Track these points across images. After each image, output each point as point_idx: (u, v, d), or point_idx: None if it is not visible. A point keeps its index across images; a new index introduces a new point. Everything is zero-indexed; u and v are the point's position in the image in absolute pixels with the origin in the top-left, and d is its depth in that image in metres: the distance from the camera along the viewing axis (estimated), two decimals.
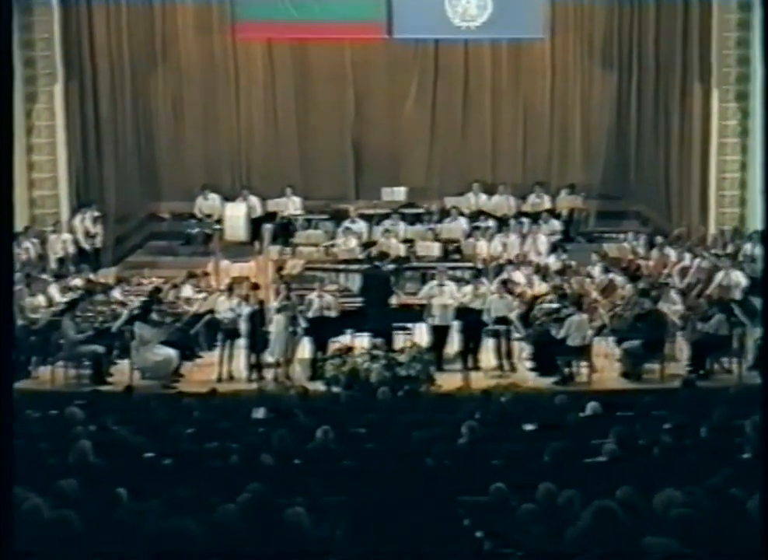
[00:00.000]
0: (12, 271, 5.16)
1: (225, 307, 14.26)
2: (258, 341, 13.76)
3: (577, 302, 14.21)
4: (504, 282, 14.96)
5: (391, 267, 15.86)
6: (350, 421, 10.24)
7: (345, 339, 14.07)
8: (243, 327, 13.97)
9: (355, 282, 16.29)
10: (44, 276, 15.74)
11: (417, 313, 14.34)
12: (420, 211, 18.80)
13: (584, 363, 13.68)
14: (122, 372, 13.81)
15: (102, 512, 6.83)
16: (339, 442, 9.45)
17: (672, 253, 16.81)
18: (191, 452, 9.13)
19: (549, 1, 19.02)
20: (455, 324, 14.40)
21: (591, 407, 10.37)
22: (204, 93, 19.58)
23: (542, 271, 16.14)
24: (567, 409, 10.50)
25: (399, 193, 19.08)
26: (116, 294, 15.40)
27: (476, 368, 14.17)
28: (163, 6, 19.15)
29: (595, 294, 15.12)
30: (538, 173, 19.62)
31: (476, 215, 18.73)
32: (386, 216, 18.40)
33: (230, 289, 14.62)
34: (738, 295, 14.45)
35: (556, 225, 18.43)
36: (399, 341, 14.00)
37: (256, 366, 13.92)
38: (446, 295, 14.44)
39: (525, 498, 7.26)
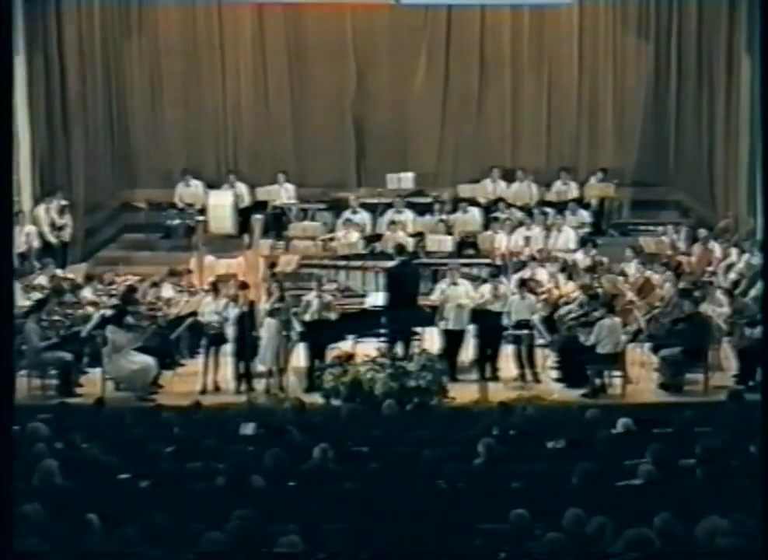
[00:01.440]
0: (11, 279, 5.33)
1: (209, 309, 14.29)
2: (247, 348, 13.78)
3: (609, 303, 14.20)
4: (526, 281, 14.96)
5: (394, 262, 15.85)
6: (351, 439, 10.25)
7: (346, 345, 14.08)
8: (230, 331, 14.00)
9: (357, 280, 16.32)
10: None
11: (427, 315, 14.34)
12: (430, 200, 18.81)
13: (617, 373, 13.69)
14: (93, 382, 13.84)
15: (70, 541, 6.84)
16: (339, 461, 9.46)
17: (716, 247, 16.81)
18: (171, 473, 9.15)
19: None
20: (471, 328, 14.41)
21: (624, 423, 10.38)
22: (186, 66, 19.60)
23: (570, 269, 16.14)
24: (597, 425, 10.51)
25: (407, 179, 19.08)
26: (87, 293, 15.43)
27: (495, 378, 14.19)
28: None
29: (629, 294, 15.11)
30: (564, 156, 19.63)
31: (493, 205, 18.74)
32: (392, 206, 18.42)
33: (215, 289, 14.64)
34: None
35: (585, 216, 18.44)
36: (404, 347, 14.03)
37: (245, 376, 13.94)
38: (460, 295, 14.45)
39: (551, 526, 7.27)
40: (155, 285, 15.54)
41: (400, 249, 15.13)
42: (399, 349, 13.94)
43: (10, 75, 5.14)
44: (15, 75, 18.07)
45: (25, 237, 17.49)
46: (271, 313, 13.89)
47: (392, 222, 17.86)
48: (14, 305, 5.57)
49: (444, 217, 18.20)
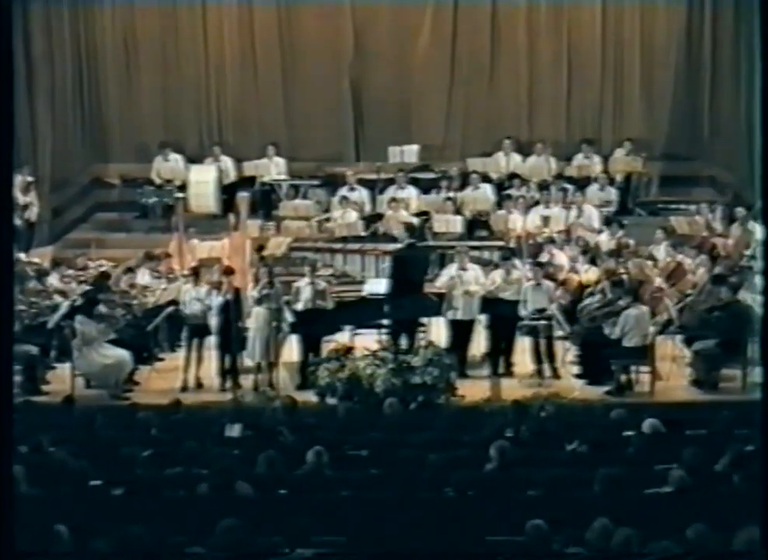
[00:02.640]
0: (11, 278, 5.61)
1: (191, 297, 14.28)
2: (233, 340, 13.79)
3: (635, 291, 14.20)
4: (544, 266, 14.96)
5: (398, 245, 15.88)
6: (349, 441, 10.28)
7: (343, 338, 14.09)
8: (214, 321, 14.00)
9: (355, 264, 16.33)
10: None
11: (434, 304, 14.34)
12: (437, 175, 18.80)
13: (644, 368, 13.69)
14: (61, 378, 13.86)
15: (37, 554, 6.86)
16: (335, 467, 9.48)
17: (757, 228, 16.78)
18: (148, 479, 9.17)
19: None
20: (482, 319, 14.42)
21: (653, 424, 10.40)
22: (163, 25, 19.56)
23: (592, 252, 16.14)
24: (623, 426, 10.53)
25: (411, 152, 19.08)
26: (54, 280, 15.43)
27: (509, 374, 14.20)
28: None
29: (658, 281, 15.11)
30: (586, 126, 19.61)
31: (507, 181, 18.72)
32: (393, 182, 18.41)
33: (197, 275, 14.64)
34: None
35: (610, 193, 18.43)
36: (408, 339, 14.05)
37: (231, 372, 13.95)
38: (470, 281, 14.45)
39: (571, 539, 7.28)
40: (130, 270, 15.54)
41: (411, 229, 15.05)
42: (402, 342, 13.94)
43: (10, 69, 5.37)
44: None
45: None
46: (259, 301, 13.90)
47: (394, 200, 17.85)
48: (13, 302, 5.73)
49: (452, 194, 18.18)
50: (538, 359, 14.18)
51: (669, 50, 19.40)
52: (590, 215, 17.53)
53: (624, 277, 14.86)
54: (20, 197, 18.07)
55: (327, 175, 19.01)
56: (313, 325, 14.08)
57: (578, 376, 14.08)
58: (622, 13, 19.47)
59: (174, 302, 14.59)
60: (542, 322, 14.11)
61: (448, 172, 18.72)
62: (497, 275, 14.56)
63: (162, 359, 14.79)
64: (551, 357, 14.20)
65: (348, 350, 13.56)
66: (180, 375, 14.05)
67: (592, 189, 18.38)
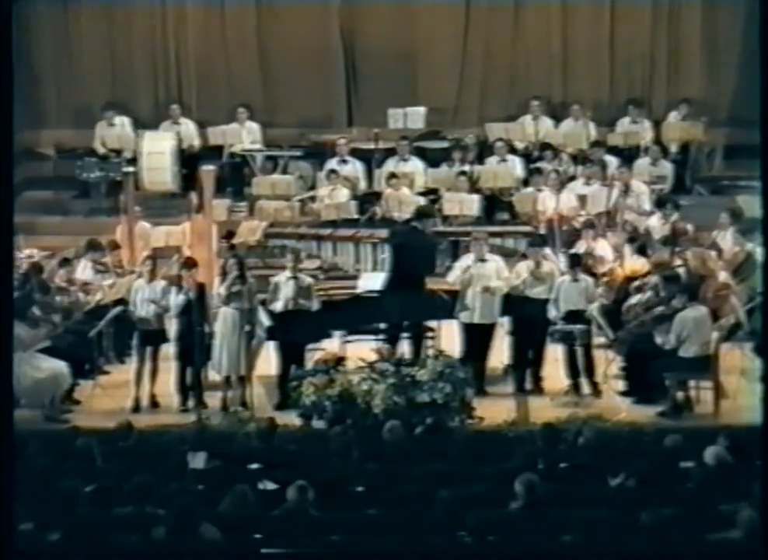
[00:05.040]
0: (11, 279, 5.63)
1: (143, 296, 14.30)
2: (196, 349, 13.80)
3: (695, 288, 14.21)
4: (581, 257, 14.98)
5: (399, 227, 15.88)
6: (340, 474, 10.28)
7: (332, 345, 14.12)
8: (173, 326, 14.03)
9: (347, 254, 16.35)
10: None
11: (445, 303, 14.36)
12: (449, 144, 18.82)
13: (706, 384, 13.72)
14: None
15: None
16: (323, 506, 9.49)
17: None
18: (92, 520, 9.17)
19: None
20: (504, 322, 14.44)
21: (717, 452, 10.41)
22: None
23: (641, 239, 16.16)
24: (680, 455, 10.54)
25: (416, 116, 19.08)
26: None
27: (538, 390, 14.24)
28: None
29: (723, 275, 15.13)
30: (634, 85, 19.62)
31: (536, 152, 18.74)
32: (394, 153, 18.42)
33: (151, 267, 14.66)
34: None
35: (664, 166, 18.45)
36: (412, 347, 14.07)
37: (194, 388, 13.98)
38: (490, 276, 14.47)
39: None
40: (68, 262, 15.56)
41: (428, 214, 14.95)
42: (405, 351, 13.98)
43: (9, 68, 5.40)
44: None
45: None
46: (228, 300, 13.91)
47: (395, 176, 17.87)
48: (12, 305, 5.91)
49: (467, 168, 18.21)
50: (574, 372, 14.20)
51: None
52: (638, 193, 17.54)
53: (681, 270, 14.88)
54: None
55: (312, 144, 19.03)
56: (295, 330, 14.09)
57: (624, 394, 14.10)
58: None
59: (123, 302, 14.60)
60: (579, 326, 14.13)
61: (462, 140, 18.74)
62: (524, 268, 14.58)
63: (107, 372, 14.81)
64: (590, 370, 14.22)
65: (339, 361, 13.59)
66: (131, 391, 14.07)
67: (641, 162, 18.43)
